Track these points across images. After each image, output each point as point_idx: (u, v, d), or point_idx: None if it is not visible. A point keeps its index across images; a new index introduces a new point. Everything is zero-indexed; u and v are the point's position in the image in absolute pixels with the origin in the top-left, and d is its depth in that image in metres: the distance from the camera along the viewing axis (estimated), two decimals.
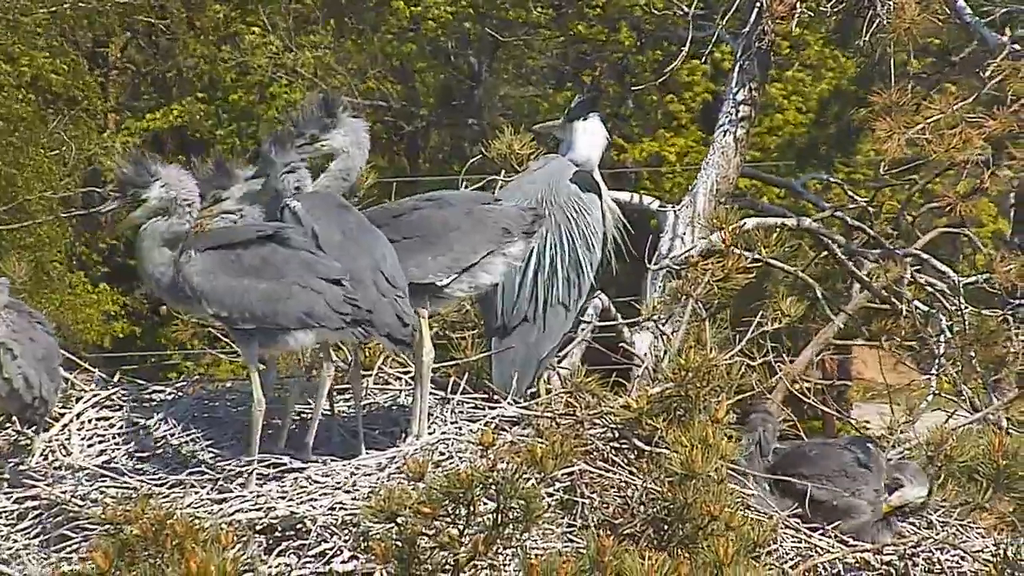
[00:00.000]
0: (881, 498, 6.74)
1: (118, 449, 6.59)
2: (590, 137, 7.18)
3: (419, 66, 22.18)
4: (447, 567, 5.56)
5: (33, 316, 6.62)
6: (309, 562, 5.89)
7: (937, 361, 8.56)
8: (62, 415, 6.74)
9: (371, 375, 7.15)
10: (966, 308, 8.54)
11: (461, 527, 5.55)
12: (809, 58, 20.41)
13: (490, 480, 5.50)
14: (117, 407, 6.87)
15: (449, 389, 6.80)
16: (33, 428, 6.57)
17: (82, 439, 6.67)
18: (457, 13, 21.30)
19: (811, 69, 20.68)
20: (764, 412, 6.95)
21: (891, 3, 8.39)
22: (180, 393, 7.03)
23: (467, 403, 6.76)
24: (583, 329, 7.69)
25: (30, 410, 6.52)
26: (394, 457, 6.30)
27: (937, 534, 6.73)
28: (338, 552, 5.89)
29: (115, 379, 7.10)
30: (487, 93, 22.25)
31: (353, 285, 6.14)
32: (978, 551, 6.55)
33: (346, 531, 5.93)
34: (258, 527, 5.96)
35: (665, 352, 7.52)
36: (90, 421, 6.79)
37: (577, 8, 21.28)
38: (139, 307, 21.39)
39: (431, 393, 6.63)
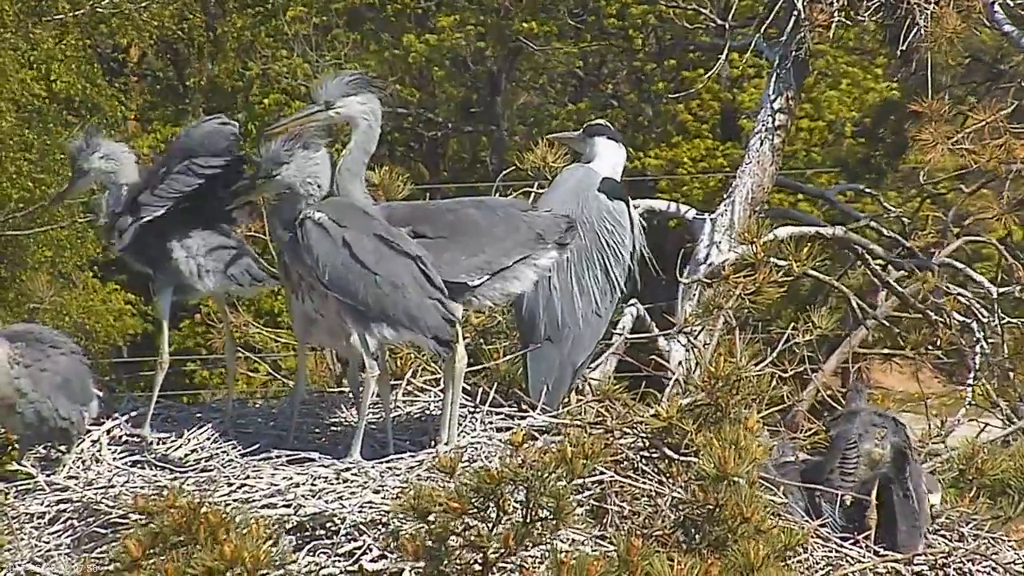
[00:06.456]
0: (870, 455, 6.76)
1: (148, 459, 6.54)
2: (612, 153, 7.21)
3: (438, 74, 22.17)
4: (477, 565, 5.54)
5: (48, 340, 6.56)
6: (338, 560, 5.87)
7: (973, 373, 8.53)
8: (92, 430, 6.68)
9: (401, 385, 7.12)
10: (1004, 320, 8.51)
11: (491, 525, 5.54)
12: (828, 69, 20.39)
13: (520, 477, 5.48)
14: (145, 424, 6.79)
15: (479, 399, 6.77)
16: (63, 448, 6.57)
17: (112, 452, 6.62)
18: (469, 35, 21.34)
19: (830, 79, 20.65)
20: (857, 387, 7.19)
21: (930, 12, 8.38)
22: (211, 411, 6.97)
23: (497, 413, 6.72)
24: (618, 339, 7.67)
25: (51, 439, 6.54)
26: (423, 460, 6.26)
27: (968, 545, 6.73)
28: (367, 550, 5.87)
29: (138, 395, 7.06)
30: (506, 101, 22.23)
31: (396, 287, 6.13)
32: (1009, 563, 6.53)
33: (375, 529, 5.91)
34: (288, 525, 5.94)
35: (696, 363, 7.50)
36: (119, 438, 6.75)
37: (594, 19, 21.28)
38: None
39: (460, 403, 6.59)
